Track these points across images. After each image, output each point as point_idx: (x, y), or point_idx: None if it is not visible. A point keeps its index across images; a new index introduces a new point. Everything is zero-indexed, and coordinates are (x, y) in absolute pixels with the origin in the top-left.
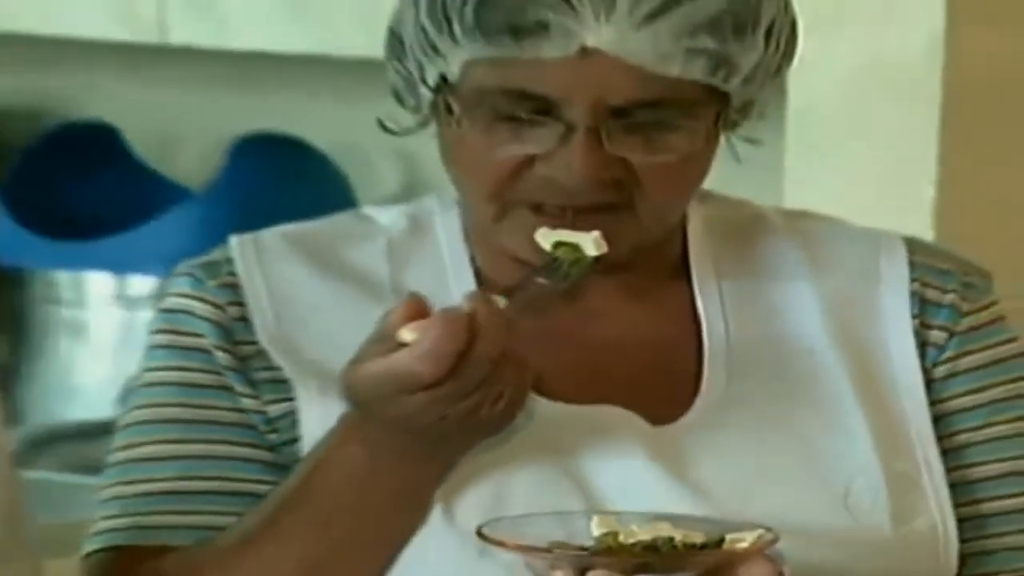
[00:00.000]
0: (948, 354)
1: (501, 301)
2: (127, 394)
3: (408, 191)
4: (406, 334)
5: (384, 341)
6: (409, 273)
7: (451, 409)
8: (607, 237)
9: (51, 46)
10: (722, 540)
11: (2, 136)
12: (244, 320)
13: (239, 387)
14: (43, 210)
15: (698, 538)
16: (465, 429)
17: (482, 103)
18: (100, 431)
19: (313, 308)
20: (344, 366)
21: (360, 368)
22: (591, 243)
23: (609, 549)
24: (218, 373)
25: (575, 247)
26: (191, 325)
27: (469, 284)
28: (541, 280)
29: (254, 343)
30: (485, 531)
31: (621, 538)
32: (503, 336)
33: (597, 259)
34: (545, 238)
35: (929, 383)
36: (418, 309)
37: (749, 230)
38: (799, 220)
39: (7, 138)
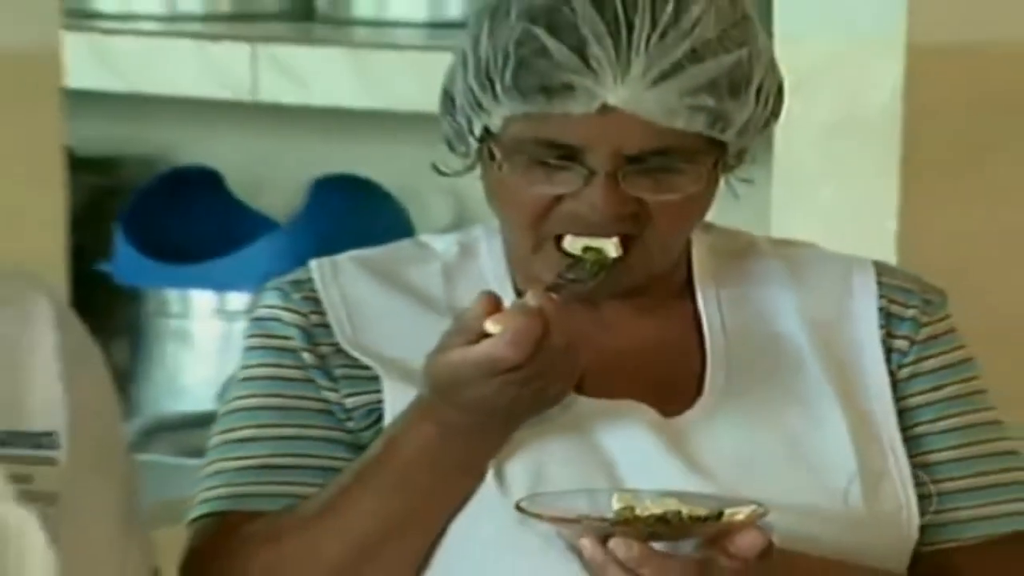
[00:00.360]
0: (910, 359)
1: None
2: (225, 388)
3: (458, 223)
4: (490, 325)
5: (465, 333)
6: (460, 291)
7: (524, 390)
8: (620, 277)
9: (163, 103)
10: (721, 514)
11: (122, 178)
12: (324, 326)
13: (320, 380)
14: (156, 239)
15: (701, 512)
16: (527, 408)
17: (519, 151)
18: (201, 421)
19: (380, 317)
20: (427, 357)
21: (444, 356)
22: (612, 247)
23: (626, 521)
24: (303, 369)
25: (598, 251)
26: (281, 330)
27: (510, 300)
28: (571, 277)
29: (332, 344)
30: (523, 505)
31: (637, 511)
32: (568, 327)
33: (616, 261)
34: (572, 244)
35: (894, 383)
36: (495, 305)
37: (744, 255)
38: (784, 247)
39: (127, 180)
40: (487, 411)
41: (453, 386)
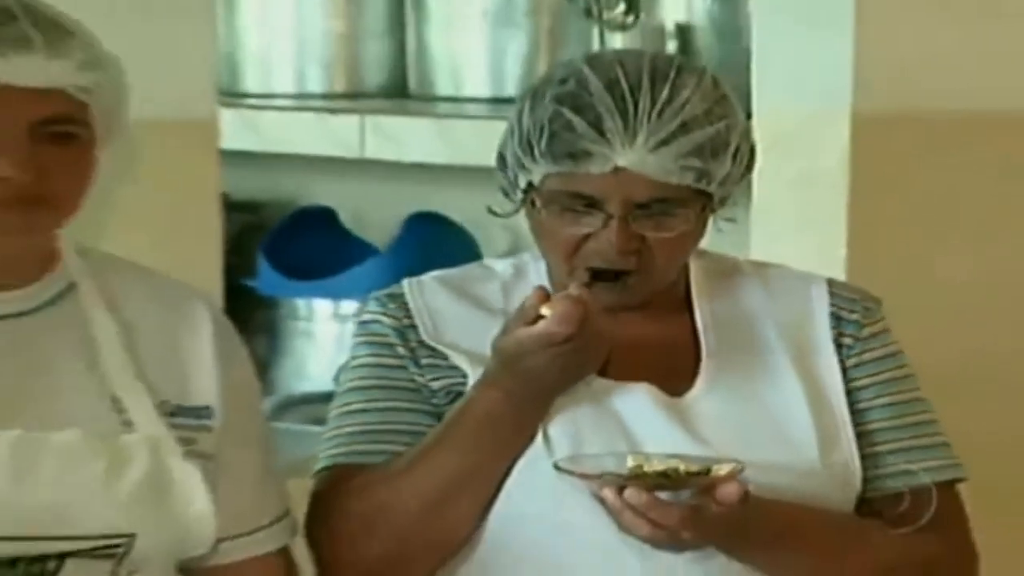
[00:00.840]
0: (855, 351)
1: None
2: (339, 373)
3: (513, 250)
4: (545, 309)
5: (525, 317)
6: (514, 302)
7: (569, 360)
8: (632, 292)
9: (294, 159)
10: (709, 470)
11: (263, 216)
12: (412, 327)
13: (410, 367)
14: (288, 261)
15: (694, 468)
16: (568, 378)
17: (554, 200)
18: (322, 398)
19: (453, 321)
20: (494, 339)
21: (510, 335)
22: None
23: (637, 476)
24: (397, 358)
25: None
26: (380, 329)
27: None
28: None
29: (419, 341)
30: (560, 464)
31: (646, 468)
32: (599, 314)
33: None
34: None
35: (843, 370)
36: (546, 296)
37: (730, 274)
38: (760, 267)
39: (267, 217)
40: (539, 378)
41: (518, 356)
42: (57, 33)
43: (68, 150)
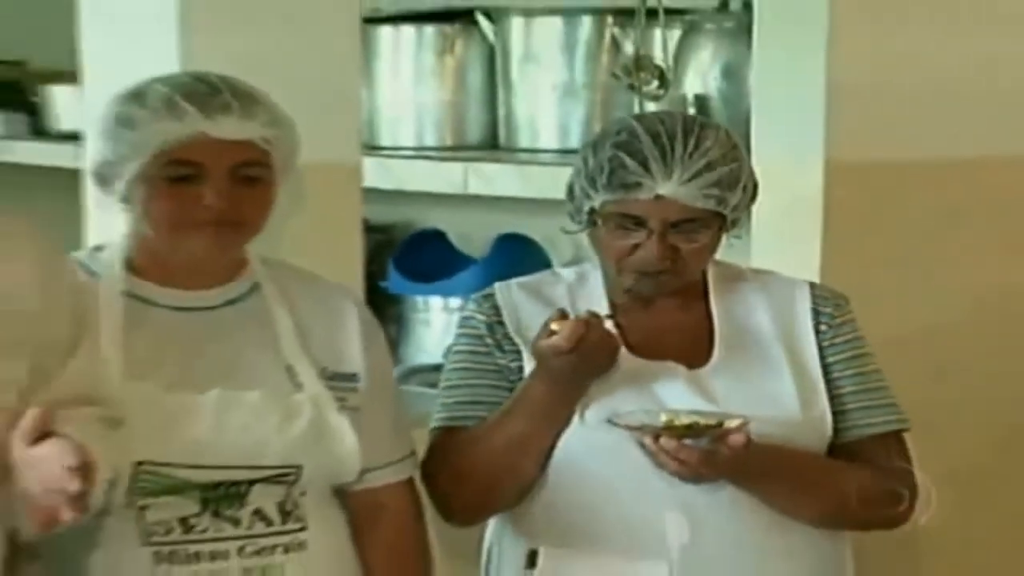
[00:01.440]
0: (828, 336)
1: (605, 316)
2: (446, 353)
3: (575, 260)
4: (554, 326)
5: (545, 331)
6: (579, 302)
7: (578, 365)
8: (665, 285)
9: (415, 195)
10: (722, 423)
11: (393, 235)
12: (500, 323)
13: (496, 353)
14: (411, 269)
15: (711, 421)
16: (585, 374)
17: (610, 220)
18: (436, 369)
19: (530, 318)
20: (532, 342)
21: (535, 343)
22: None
23: (669, 427)
24: (487, 347)
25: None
26: (476, 324)
27: (606, 308)
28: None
29: (505, 334)
30: (612, 419)
31: (675, 422)
32: (601, 328)
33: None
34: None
35: (820, 350)
36: (563, 315)
37: (736, 278)
38: (758, 273)
39: (395, 236)
40: (560, 375)
41: (542, 360)
42: (249, 100)
43: (255, 188)
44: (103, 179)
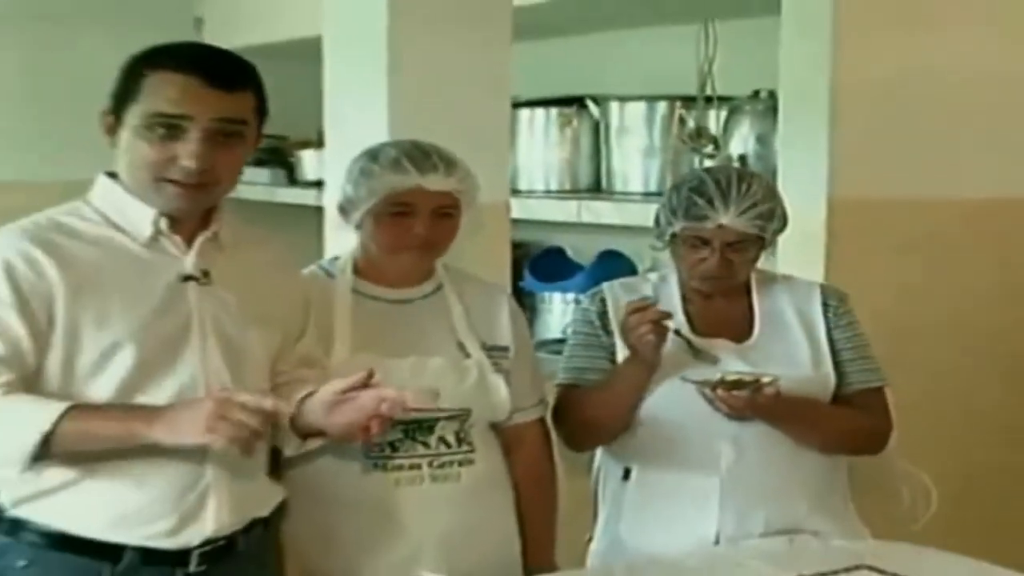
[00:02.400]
0: (833, 320)
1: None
2: (566, 330)
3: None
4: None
5: (630, 307)
6: (661, 297)
7: (635, 342)
8: (722, 286)
9: (544, 223)
10: (759, 379)
11: (529, 250)
12: (605, 314)
13: (602, 336)
14: (542, 273)
15: (752, 379)
16: (639, 357)
17: (685, 242)
18: (560, 342)
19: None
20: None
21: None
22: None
23: (723, 382)
24: (596, 329)
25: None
26: (588, 313)
27: (679, 303)
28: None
29: (609, 321)
30: (684, 377)
31: (727, 379)
32: (657, 313)
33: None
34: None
35: (827, 330)
36: (643, 300)
37: (770, 281)
38: (785, 277)
39: (530, 251)
40: (634, 355)
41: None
42: (449, 163)
43: (449, 222)
44: (344, 211)
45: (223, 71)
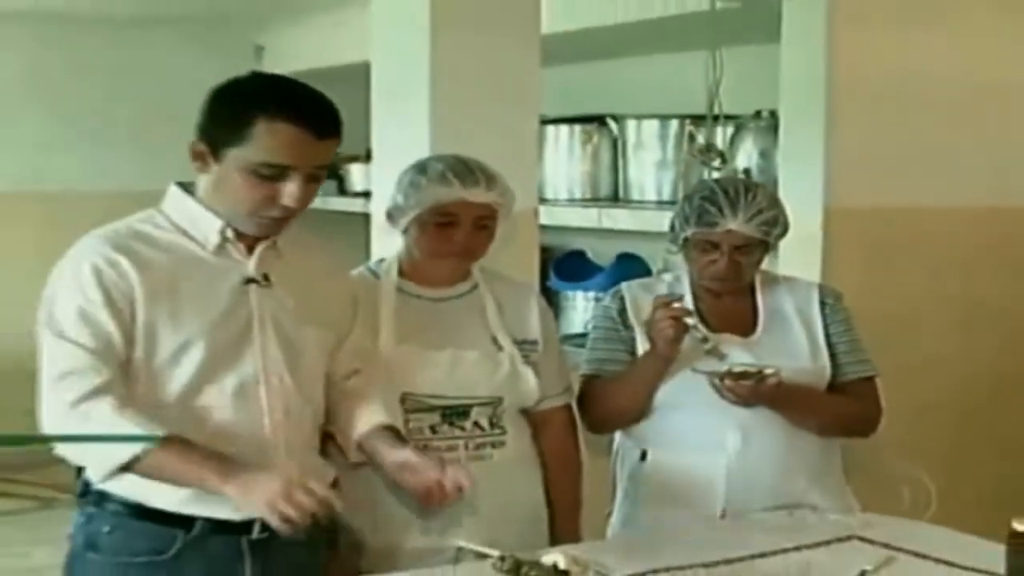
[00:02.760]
0: (829, 317)
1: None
2: (587, 325)
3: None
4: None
5: (658, 302)
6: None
7: (655, 336)
8: (730, 285)
9: (568, 228)
10: (762, 371)
11: (554, 254)
12: (623, 310)
13: (621, 330)
14: (566, 275)
15: (756, 370)
16: (657, 350)
17: (696, 247)
18: (581, 336)
19: (644, 304)
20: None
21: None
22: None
23: (730, 373)
24: (616, 324)
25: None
26: (608, 310)
27: (691, 300)
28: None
29: (627, 317)
30: (695, 368)
31: (733, 370)
32: (679, 310)
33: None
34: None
35: (824, 326)
36: (668, 295)
37: (773, 280)
38: (787, 278)
39: (555, 254)
40: (654, 347)
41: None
42: (490, 177)
43: (487, 231)
44: (392, 217)
45: (325, 123)
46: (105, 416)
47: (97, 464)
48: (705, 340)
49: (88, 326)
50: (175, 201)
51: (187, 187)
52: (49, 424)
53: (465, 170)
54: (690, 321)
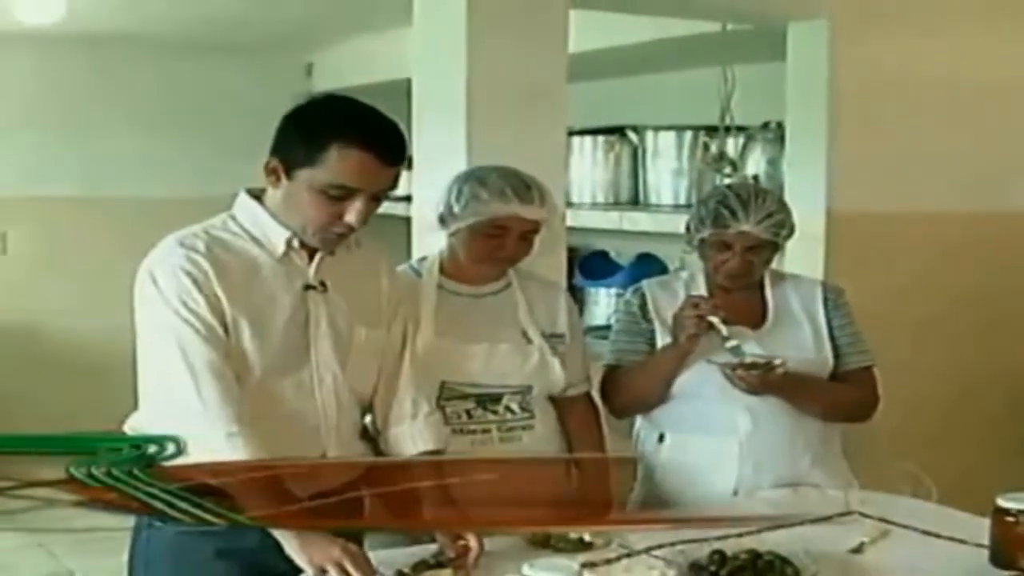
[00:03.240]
0: (832, 311)
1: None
2: (611, 317)
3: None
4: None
5: (688, 302)
6: (692, 291)
7: (686, 327)
8: (744, 283)
9: (591, 230)
10: (770, 361)
11: (579, 254)
12: (644, 305)
13: (642, 323)
14: (589, 273)
15: (764, 360)
16: (679, 340)
17: (711, 246)
18: (605, 328)
19: (663, 300)
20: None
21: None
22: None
23: (741, 364)
24: (637, 318)
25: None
26: (631, 305)
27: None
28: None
29: (647, 312)
30: (709, 359)
31: (744, 360)
32: (708, 309)
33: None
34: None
35: (827, 319)
36: (697, 296)
37: (781, 278)
38: (793, 276)
39: (580, 253)
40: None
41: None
42: (543, 194)
43: (530, 241)
44: (444, 221)
45: (393, 151)
46: (248, 452)
47: (195, 447)
48: (728, 339)
49: (200, 330)
50: (246, 209)
51: (255, 193)
52: (195, 446)
53: (523, 188)
54: (715, 321)
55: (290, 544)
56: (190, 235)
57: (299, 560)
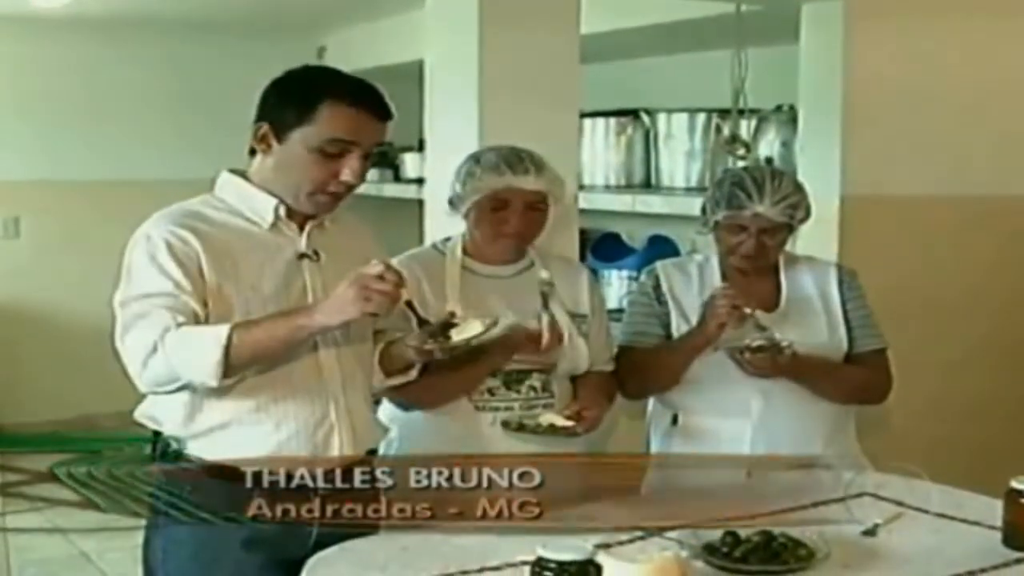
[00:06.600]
0: (845, 293)
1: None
2: (625, 299)
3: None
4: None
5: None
6: (705, 277)
7: (718, 314)
8: (759, 265)
9: (605, 212)
10: (780, 343)
11: (591, 236)
12: (658, 287)
13: (656, 306)
14: (602, 255)
15: (773, 343)
16: (713, 329)
17: (726, 229)
18: (619, 311)
19: (676, 282)
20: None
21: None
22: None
23: (748, 347)
24: (651, 300)
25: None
26: (645, 287)
27: (719, 278)
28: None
29: (661, 294)
30: (719, 344)
31: (754, 344)
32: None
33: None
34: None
35: (841, 301)
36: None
37: (795, 260)
38: (807, 258)
39: (593, 236)
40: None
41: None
42: (540, 165)
43: (538, 215)
44: (453, 204)
45: (383, 106)
46: (178, 340)
47: (203, 371)
48: (764, 328)
49: (159, 279)
50: (230, 184)
51: (239, 173)
52: (134, 372)
53: (516, 159)
54: (748, 310)
55: (321, 320)
56: (172, 211)
57: (340, 317)
